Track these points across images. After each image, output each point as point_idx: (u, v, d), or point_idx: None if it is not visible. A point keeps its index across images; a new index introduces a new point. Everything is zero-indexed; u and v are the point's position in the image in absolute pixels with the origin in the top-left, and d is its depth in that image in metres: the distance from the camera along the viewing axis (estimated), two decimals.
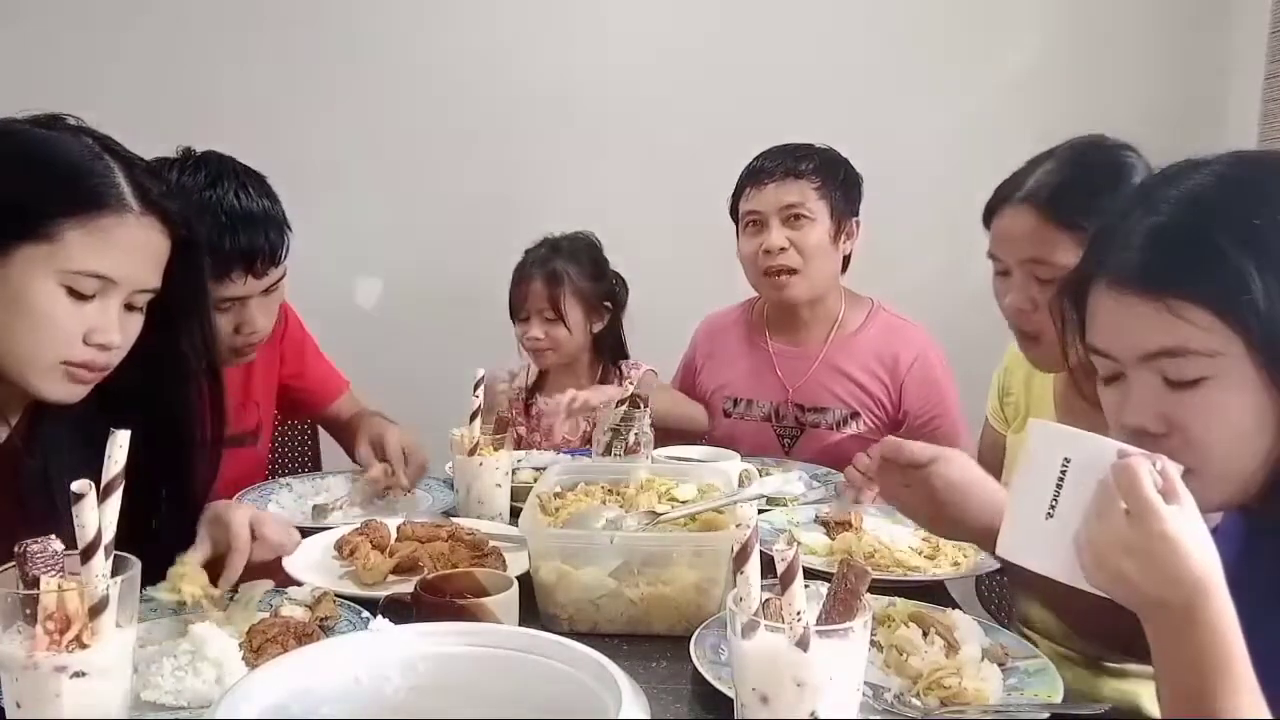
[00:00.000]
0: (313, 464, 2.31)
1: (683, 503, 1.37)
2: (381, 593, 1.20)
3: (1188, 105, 2.74)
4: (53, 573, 0.77)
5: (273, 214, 1.64)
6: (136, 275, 1.14)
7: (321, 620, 1.10)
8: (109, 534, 0.78)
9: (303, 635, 1.04)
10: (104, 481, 0.79)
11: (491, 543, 1.36)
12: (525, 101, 2.86)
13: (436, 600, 1.02)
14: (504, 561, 1.31)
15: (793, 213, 2.03)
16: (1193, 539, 0.78)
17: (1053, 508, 0.87)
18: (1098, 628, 1.10)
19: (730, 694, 0.85)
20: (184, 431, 1.25)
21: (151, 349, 1.19)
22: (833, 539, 1.47)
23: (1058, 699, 0.99)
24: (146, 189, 1.14)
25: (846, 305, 2.16)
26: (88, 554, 0.77)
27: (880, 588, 1.22)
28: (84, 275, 1.09)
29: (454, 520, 1.48)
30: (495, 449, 1.60)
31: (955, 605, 1.22)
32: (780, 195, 2.04)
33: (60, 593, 0.75)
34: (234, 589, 1.20)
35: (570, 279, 2.14)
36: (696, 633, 1.09)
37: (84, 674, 0.76)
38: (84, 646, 0.76)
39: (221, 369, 1.31)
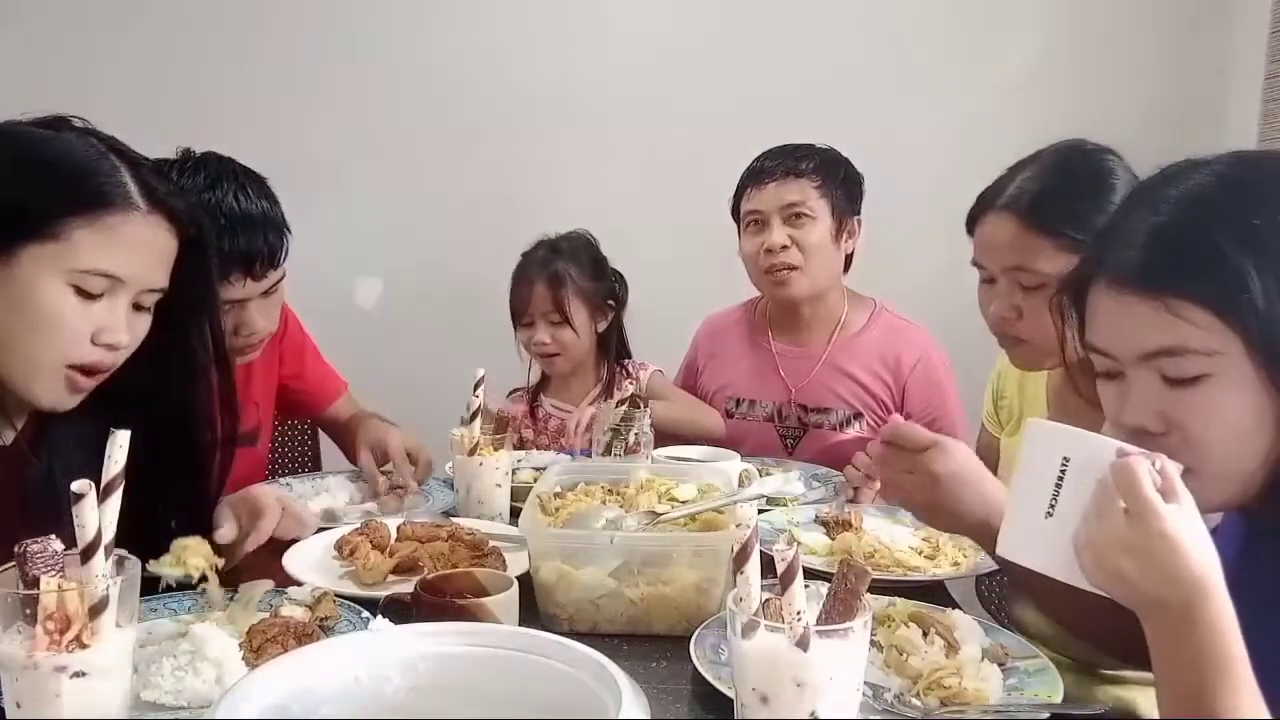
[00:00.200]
0: (313, 464, 2.31)
1: (683, 503, 1.37)
2: (381, 593, 1.20)
3: (1188, 105, 2.74)
4: (53, 573, 0.77)
5: (272, 216, 1.64)
6: (144, 274, 1.14)
7: (321, 620, 1.10)
8: (109, 534, 0.78)
9: (303, 635, 1.04)
10: (104, 481, 0.79)
11: (491, 543, 1.36)
12: (525, 101, 2.86)
13: (436, 600, 1.02)
14: (504, 561, 1.30)
15: (794, 211, 2.04)
16: (1192, 538, 0.78)
17: (1052, 507, 0.87)
18: (1098, 629, 1.10)
19: (730, 694, 0.85)
20: (194, 430, 1.25)
21: (160, 348, 1.20)
22: (833, 539, 1.47)
23: (1058, 699, 0.98)
24: (153, 188, 1.15)
25: (849, 306, 2.16)
26: (88, 554, 0.77)
27: (880, 588, 1.21)
28: (91, 274, 1.10)
29: (454, 520, 1.47)
30: (495, 449, 1.60)
31: (955, 605, 1.22)
32: (781, 194, 2.04)
33: (60, 593, 0.75)
34: (234, 589, 1.20)
35: (573, 280, 2.12)
36: (696, 633, 1.09)
37: (84, 674, 0.76)
38: (84, 646, 0.76)
39: (233, 366, 1.31)
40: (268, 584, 1.21)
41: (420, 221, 2.91)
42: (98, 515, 0.78)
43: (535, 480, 1.50)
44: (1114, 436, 0.89)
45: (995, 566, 1.36)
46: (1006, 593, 1.77)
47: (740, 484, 1.31)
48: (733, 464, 1.68)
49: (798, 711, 0.76)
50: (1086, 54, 2.81)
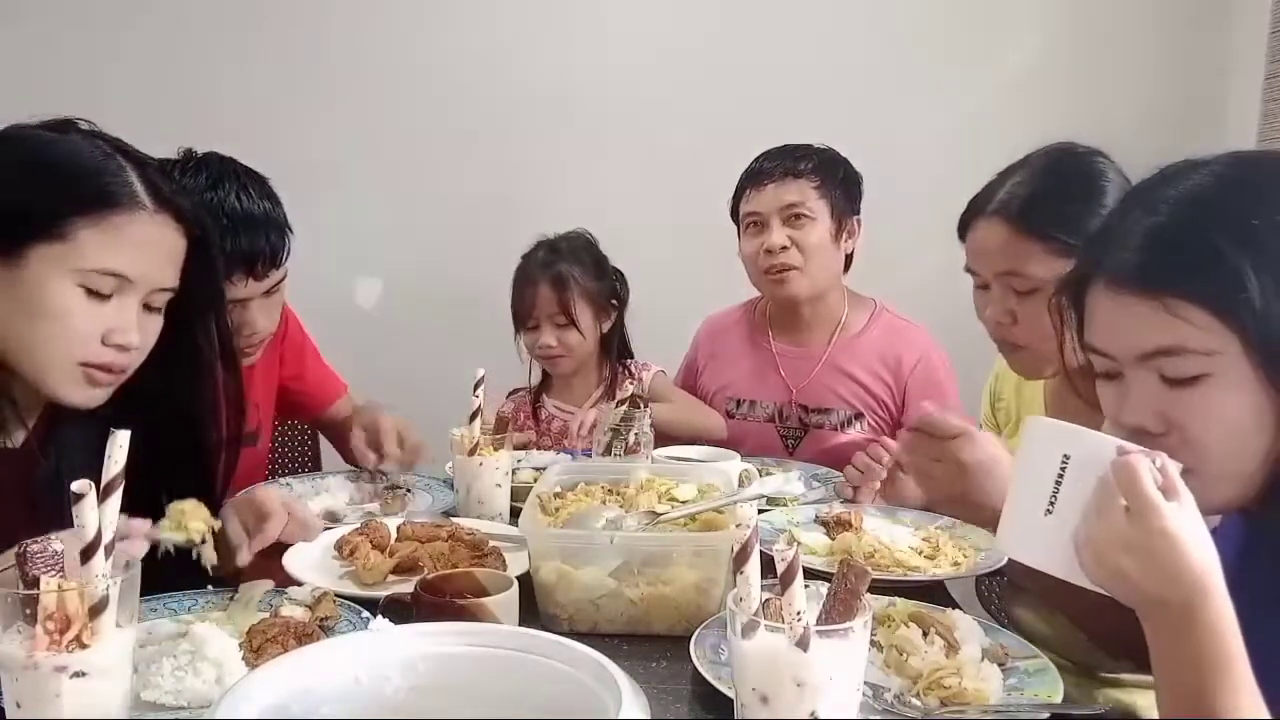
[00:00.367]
0: (313, 464, 2.31)
1: (683, 503, 1.37)
2: (381, 593, 1.20)
3: (1188, 105, 2.74)
4: (53, 573, 0.77)
5: (274, 216, 1.64)
6: (152, 273, 1.14)
7: (321, 620, 1.10)
8: (109, 534, 0.78)
9: (303, 635, 1.04)
10: (104, 481, 0.79)
11: (491, 543, 1.36)
12: (525, 101, 2.87)
13: (436, 600, 1.02)
14: (504, 561, 1.30)
15: (793, 212, 2.04)
16: (1193, 537, 0.78)
17: (1051, 504, 0.87)
18: (1099, 626, 1.11)
19: (730, 694, 0.85)
20: (201, 429, 1.25)
21: (168, 348, 1.20)
22: (833, 539, 1.47)
23: (1058, 699, 0.98)
24: (159, 187, 1.15)
25: (849, 306, 2.16)
26: (88, 554, 0.77)
27: (880, 588, 1.21)
28: (100, 273, 1.10)
29: (454, 520, 1.47)
30: (495, 449, 1.60)
31: (955, 605, 1.22)
32: (780, 195, 2.04)
33: (60, 593, 0.75)
34: (234, 589, 1.20)
35: (577, 280, 2.10)
36: (696, 633, 1.09)
37: (84, 674, 0.76)
38: (84, 646, 0.76)
39: (240, 365, 1.31)
40: (268, 584, 1.21)
41: (420, 221, 2.91)
42: (98, 515, 0.78)
43: (535, 480, 1.50)
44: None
45: (995, 567, 1.37)
46: (1006, 593, 1.77)
47: (740, 484, 1.31)
48: (733, 464, 1.68)
49: (798, 711, 0.76)
50: (1086, 54, 2.81)
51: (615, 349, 2.21)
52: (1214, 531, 0.81)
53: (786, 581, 0.77)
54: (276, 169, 1.72)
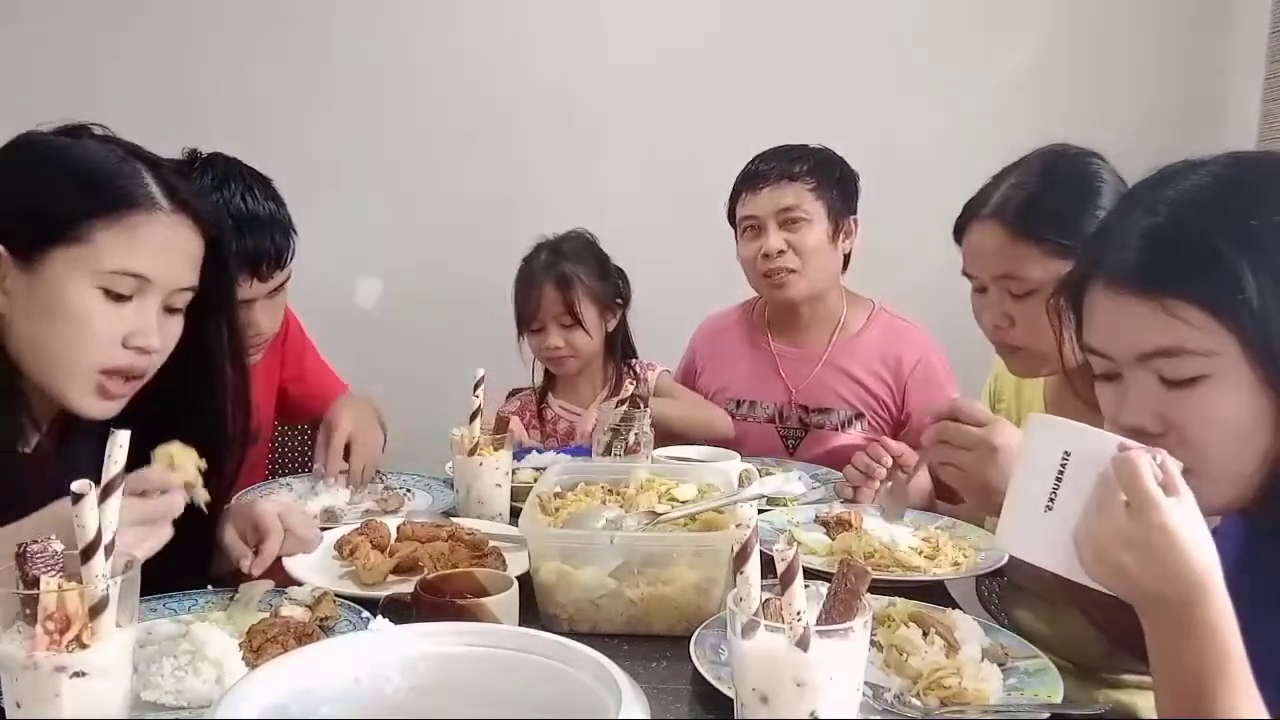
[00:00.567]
0: (313, 464, 2.30)
1: (683, 503, 1.37)
2: (381, 593, 1.20)
3: (1188, 105, 2.74)
4: (53, 573, 0.77)
5: (278, 217, 1.65)
6: (171, 273, 1.15)
7: (321, 620, 1.10)
8: (109, 534, 0.78)
9: (303, 635, 1.04)
10: (104, 481, 0.79)
11: (491, 543, 1.36)
12: (525, 101, 2.87)
13: (436, 600, 1.02)
14: (504, 561, 1.30)
15: (789, 216, 2.03)
16: (1192, 535, 0.78)
17: (1051, 500, 0.87)
18: (1112, 620, 1.11)
19: (730, 694, 0.85)
20: (209, 428, 1.25)
21: (181, 348, 1.20)
22: (833, 539, 1.47)
23: (1058, 699, 0.98)
24: (175, 188, 1.16)
25: (848, 306, 2.16)
26: (88, 554, 0.77)
27: (880, 588, 1.22)
28: (119, 275, 1.10)
29: (454, 520, 1.47)
30: (495, 449, 1.60)
31: (955, 605, 1.22)
32: (776, 199, 2.04)
33: (60, 593, 0.75)
34: (234, 589, 1.20)
35: (581, 280, 2.09)
36: (696, 633, 1.09)
37: (84, 674, 0.76)
38: (84, 646, 0.76)
39: (248, 364, 1.31)
40: (268, 584, 1.21)
41: (420, 221, 2.91)
42: (98, 515, 0.78)
43: (535, 480, 1.50)
44: None
45: (995, 567, 1.37)
46: (1006, 593, 1.77)
47: (740, 484, 1.31)
48: (733, 464, 1.68)
49: (798, 711, 0.76)
50: (1086, 54, 2.81)
51: (620, 349, 2.20)
52: (1214, 532, 0.81)
53: (786, 581, 0.77)
54: (276, 169, 1.72)
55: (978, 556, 1.41)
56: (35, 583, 0.76)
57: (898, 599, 1.20)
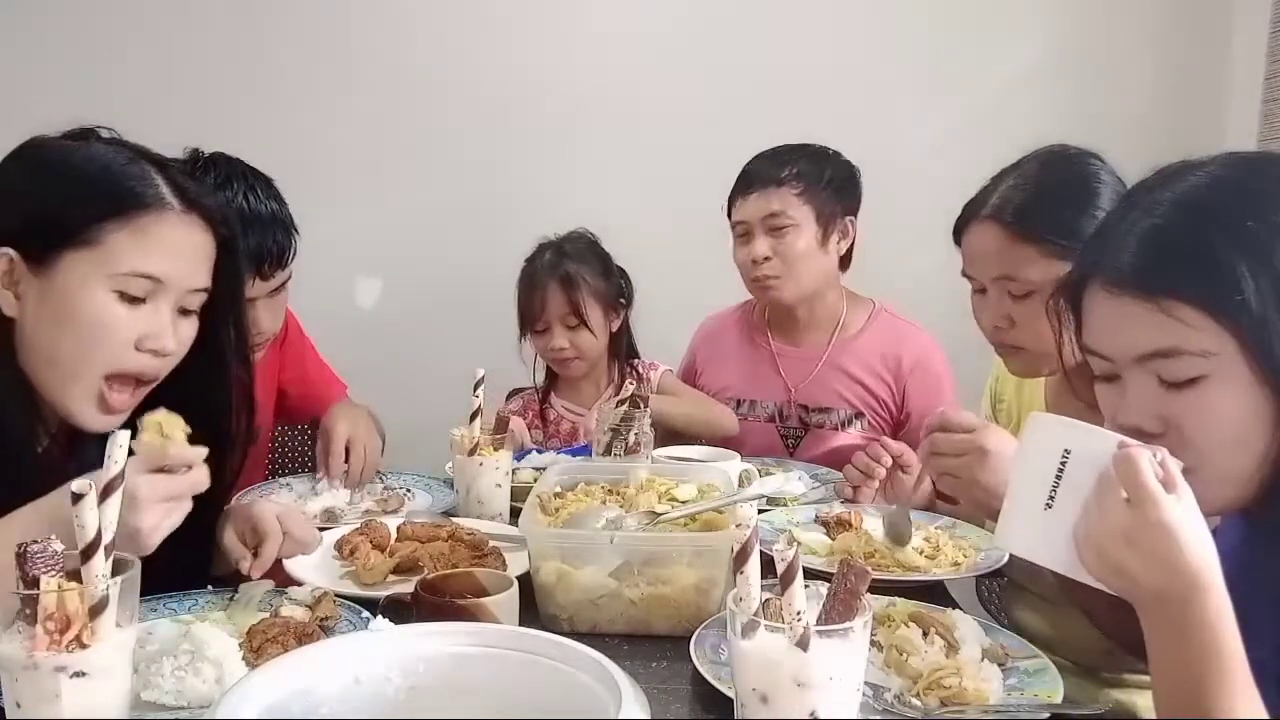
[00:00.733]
0: (313, 464, 2.29)
1: (683, 503, 1.37)
2: (381, 593, 1.20)
3: (1188, 105, 2.74)
4: (53, 573, 0.77)
5: (280, 216, 1.65)
6: (184, 273, 1.14)
7: (321, 620, 1.10)
8: (109, 534, 0.78)
9: (303, 635, 1.04)
10: (104, 481, 0.79)
11: (491, 543, 1.36)
12: (525, 102, 2.87)
13: (436, 600, 1.02)
14: (504, 561, 1.30)
15: (774, 222, 2.03)
16: (1192, 531, 0.78)
17: (1051, 498, 0.87)
18: (1110, 619, 1.11)
19: (730, 694, 0.85)
20: (219, 429, 1.25)
21: (192, 349, 1.20)
22: (833, 539, 1.47)
23: (1058, 699, 0.98)
24: (185, 188, 1.16)
25: (848, 306, 2.16)
26: (88, 554, 0.77)
27: (880, 588, 1.22)
28: (132, 276, 1.10)
29: (454, 520, 1.47)
30: (495, 449, 1.60)
31: (955, 605, 1.22)
32: (762, 205, 2.04)
33: (60, 593, 0.75)
34: (234, 589, 1.20)
35: (586, 281, 2.07)
36: (696, 633, 1.09)
37: (84, 674, 0.76)
38: (84, 646, 0.76)
39: (254, 363, 1.31)
40: (268, 584, 1.21)
41: (420, 222, 2.91)
42: (98, 515, 0.78)
43: (535, 480, 1.50)
44: None
45: (995, 567, 1.37)
46: (1006, 593, 1.77)
47: (740, 484, 1.31)
48: (733, 464, 1.68)
49: (798, 711, 0.76)
50: (1086, 54, 2.82)
51: (623, 349, 2.19)
52: (1214, 531, 0.81)
53: (786, 581, 0.77)
54: (277, 168, 1.72)
55: (978, 556, 1.41)
56: (35, 583, 0.76)
57: (898, 599, 1.20)
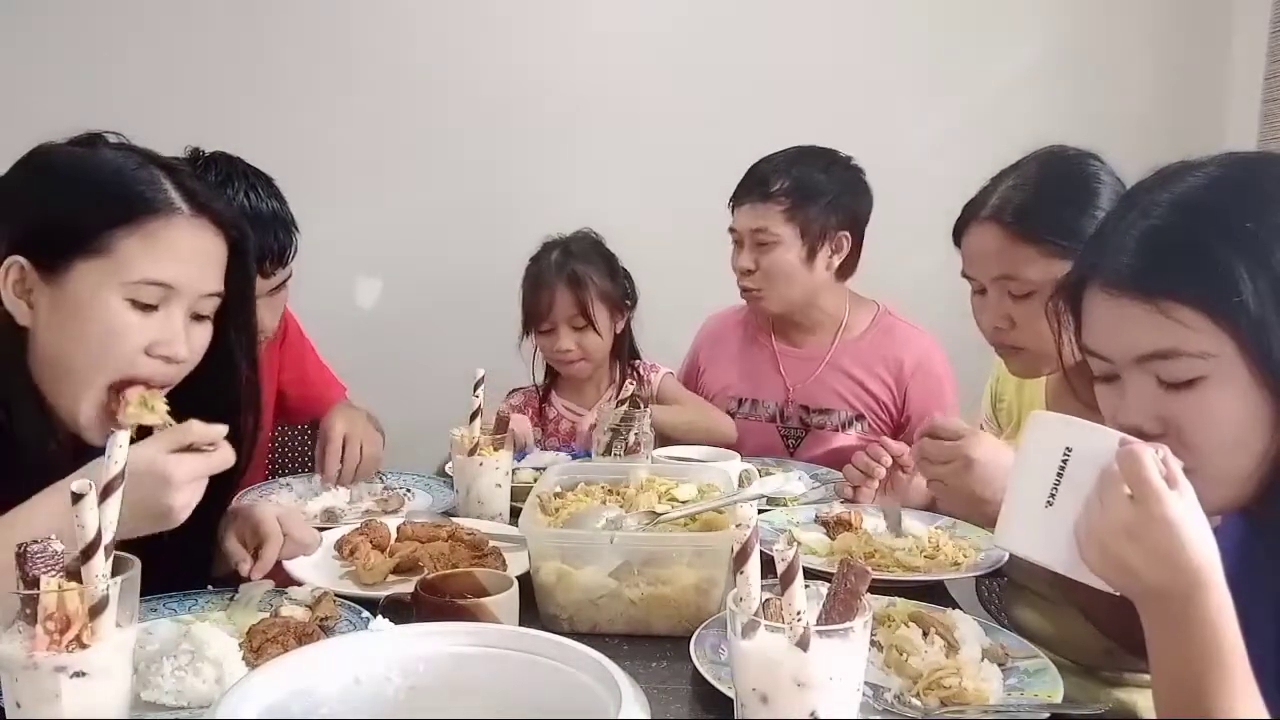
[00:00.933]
0: (313, 464, 2.30)
1: (683, 503, 1.37)
2: (381, 593, 1.20)
3: (1188, 105, 2.74)
4: (53, 573, 0.77)
5: (281, 215, 1.66)
6: (195, 279, 1.14)
7: (321, 620, 1.10)
8: (109, 534, 0.78)
9: (303, 635, 1.05)
10: (104, 481, 0.79)
11: (491, 543, 1.36)
12: (526, 102, 2.86)
13: (436, 600, 1.02)
14: (504, 561, 1.31)
15: (760, 238, 2.04)
16: (1194, 528, 0.78)
17: (1052, 497, 0.87)
18: (1110, 618, 1.11)
19: (730, 694, 0.85)
20: (229, 431, 1.25)
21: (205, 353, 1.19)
22: (833, 539, 1.47)
23: (1058, 699, 0.98)
24: (195, 192, 1.15)
25: (851, 309, 2.16)
26: (88, 554, 0.77)
27: (880, 588, 1.22)
28: (144, 284, 1.10)
29: (454, 520, 1.48)
30: (495, 449, 1.60)
31: (955, 605, 1.22)
32: (750, 219, 2.05)
33: (60, 593, 0.75)
34: (234, 589, 1.20)
35: (594, 282, 2.06)
36: (696, 633, 1.09)
37: (84, 674, 0.76)
38: (84, 646, 0.76)
39: (259, 365, 1.31)
40: (268, 584, 1.21)
41: (420, 221, 2.90)
42: (98, 515, 0.78)
43: (535, 480, 1.50)
44: None
45: (995, 567, 1.37)
46: (1006, 593, 1.77)
47: (740, 484, 1.31)
48: (733, 464, 1.68)
49: (798, 711, 0.76)
50: (1086, 54, 2.82)
51: (626, 350, 2.18)
52: (1215, 531, 0.81)
53: (786, 581, 0.77)
54: (277, 168, 1.72)
55: (978, 556, 1.41)
56: (35, 583, 0.76)
57: (898, 599, 1.20)
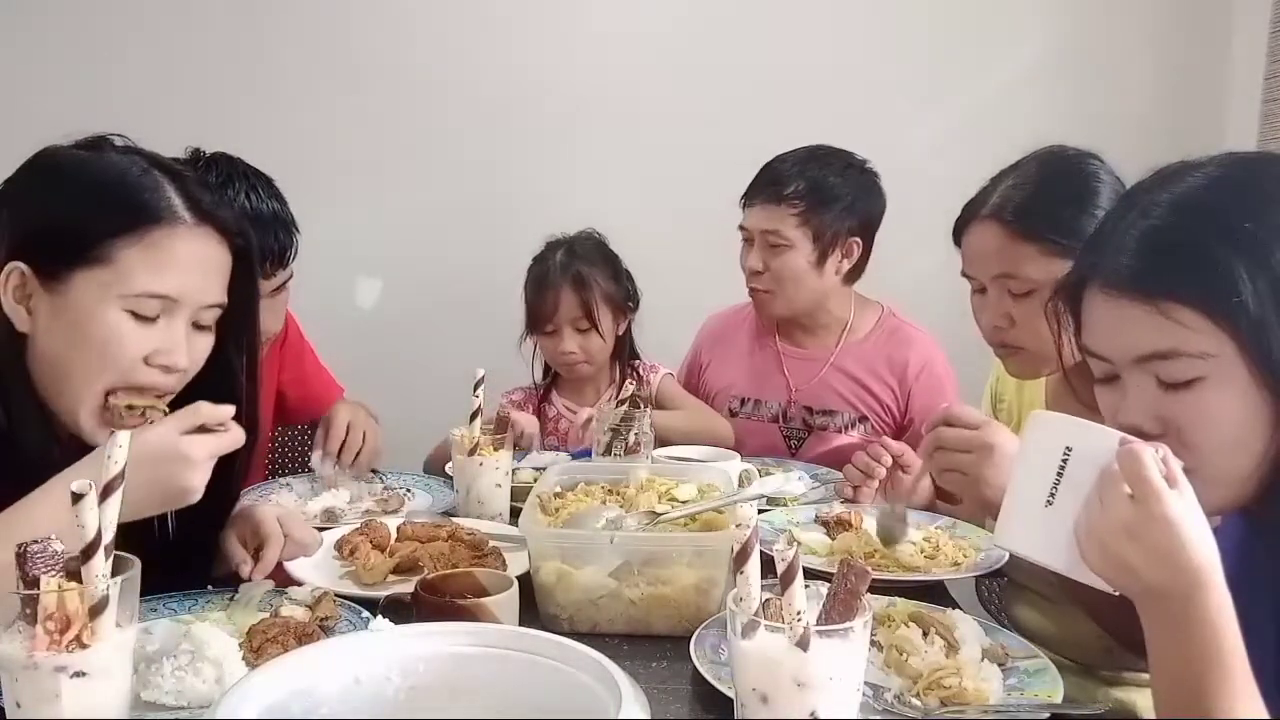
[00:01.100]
0: (312, 465, 2.30)
1: (683, 503, 1.37)
2: (381, 593, 1.20)
3: (1188, 105, 2.74)
4: (53, 573, 0.77)
5: (282, 215, 1.66)
6: (197, 290, 1.13)
7: (321, 620, 1.10)
8: (109, 534, 0.78)
9: (303, 635, 1.04)
10: (104, 481, 0.79)
11: (491, 543, 1.36)
12: (526, 102, 2.87)
13: (436, 600, 1.02)
14: (504, 561, 1.30)
15: (770, 240, 2.03)
16: (1194, 528, 0.78)
17: (1052, 496, 0.87)
18: (1113, 617, 1.11)
19: (730, 694, 0.85)
20: None
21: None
22: (833, 539, 1.47)
23: (1058, 699, 0.98)
24: (199, 200, 1.14)
25: (856, 310, 2.15)
26: (88, 554, 0.77)
27: (880, 588, 1.22)
28: (144, 297, 1.09)
29: (454, 520, 1.48)
30: (495, 449, 1.60)
31: (955, 605, 1.22)
32: (760, 219, 2.04)
33: (60, 593, 0.75)
34: (234, 589, 1.20)
35: (598, 283, 2.05)
36: (696, 633, 1.09)
37: (84, 674, 0.76)
38: (84, 646, 0.76)
39: (259, 372, 1.30)
40: (268, 584, 1.21)
41: (420, 222, 2.91)
42: (98, 515, 0.78)
43: (535, 480, 1.50)
44: None
45: (995, 567, 1.37)
46: (1006, 593, 1.77)
47: (740, 484, 1.31)
48: (733, 464, 1.68)
49: (798, 711, 0.76)
50: (1086, 55, 2.82)
51: (627, 351, 2.17)
52: (1215, 531, 0.81)
53: (786, 581, 0.77)
54: (277, 168, 1.72)
55: (978, 556, 1.41)
56: (35, 583, 0.76)
57: (898, 599, 1.20)
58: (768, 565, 0.79)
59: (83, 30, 2.79)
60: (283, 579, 1.24)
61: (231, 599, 1.19)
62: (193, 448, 1.02)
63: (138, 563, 0.82)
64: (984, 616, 1.52)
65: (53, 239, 1.09)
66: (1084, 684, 1.48)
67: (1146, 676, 0.83)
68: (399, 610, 1.05)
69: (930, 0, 2.85)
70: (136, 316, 1.09)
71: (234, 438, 1.06)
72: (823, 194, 2.02)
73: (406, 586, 1.16)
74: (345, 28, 2.85)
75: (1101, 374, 0.95)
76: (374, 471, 1.83)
